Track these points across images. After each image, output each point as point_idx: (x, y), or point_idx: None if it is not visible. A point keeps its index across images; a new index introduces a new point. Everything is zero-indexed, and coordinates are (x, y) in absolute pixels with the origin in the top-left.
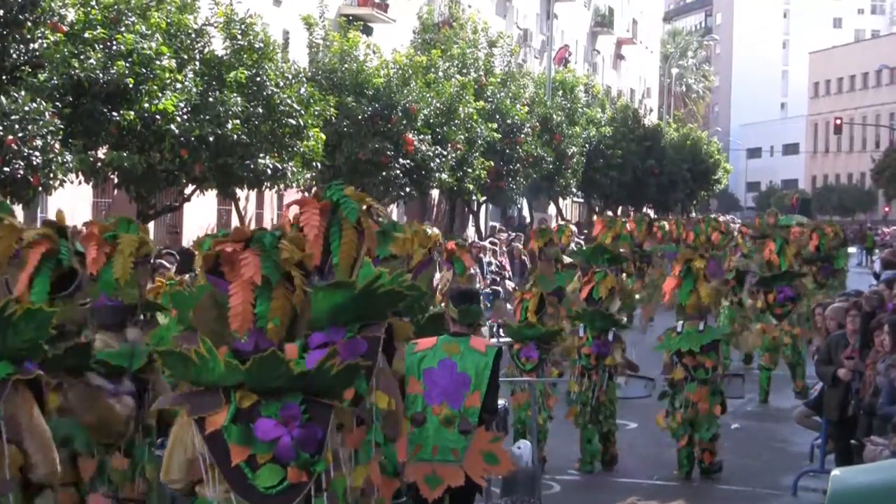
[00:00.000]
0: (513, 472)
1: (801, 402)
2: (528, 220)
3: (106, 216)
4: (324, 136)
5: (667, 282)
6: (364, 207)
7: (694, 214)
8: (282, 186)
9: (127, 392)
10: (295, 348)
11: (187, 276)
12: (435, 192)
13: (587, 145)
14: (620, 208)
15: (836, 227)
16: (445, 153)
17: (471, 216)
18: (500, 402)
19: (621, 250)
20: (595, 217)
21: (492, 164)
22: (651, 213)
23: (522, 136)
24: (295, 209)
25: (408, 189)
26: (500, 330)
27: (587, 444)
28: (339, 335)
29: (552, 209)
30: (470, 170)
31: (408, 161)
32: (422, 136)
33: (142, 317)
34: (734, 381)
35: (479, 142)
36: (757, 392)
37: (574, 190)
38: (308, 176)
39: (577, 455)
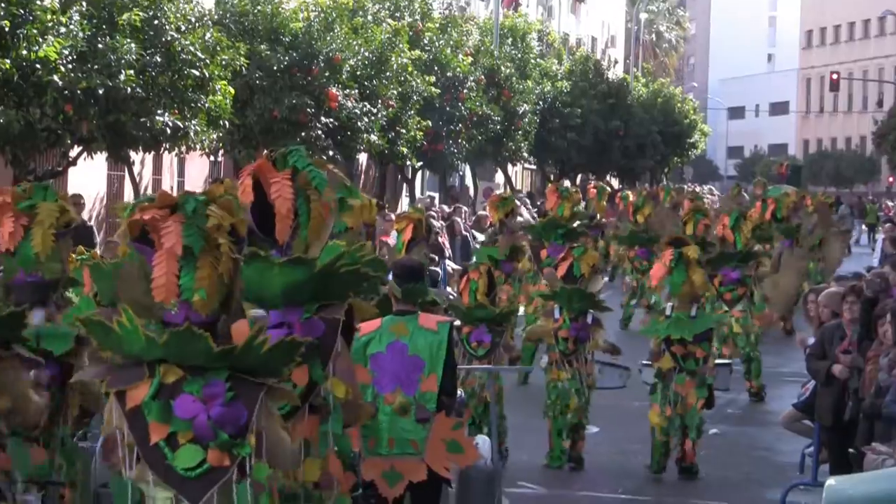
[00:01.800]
0: (467, 475)
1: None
2: (471, 189)
3: None
4: (232, 90)
5: (654, 269)
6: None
7: (665, 184)
8: (183, 148)
9: (46, 380)
10: (246, 325)
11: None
12: (363, 157)
13: (541, 102)
14: (579, 177)
15: (821, 197)
16: (375, 111)
17: (405, 185)
18: (458, 391)
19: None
20: (549, 186)
21: (429, 123)
22: (614, 182)
23: (465, 91)
24: (251, 179)
25: (331, 153)
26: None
27: (557, 438)
28: (295, 315)
29: (500, 177)
30: (404, 130)
31: (331, 120)
32: (347, 91)
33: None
34: (721, 371)
35: (415, 98)
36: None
37: (525, 155)
38: (214, 136)
39: (529, 461)
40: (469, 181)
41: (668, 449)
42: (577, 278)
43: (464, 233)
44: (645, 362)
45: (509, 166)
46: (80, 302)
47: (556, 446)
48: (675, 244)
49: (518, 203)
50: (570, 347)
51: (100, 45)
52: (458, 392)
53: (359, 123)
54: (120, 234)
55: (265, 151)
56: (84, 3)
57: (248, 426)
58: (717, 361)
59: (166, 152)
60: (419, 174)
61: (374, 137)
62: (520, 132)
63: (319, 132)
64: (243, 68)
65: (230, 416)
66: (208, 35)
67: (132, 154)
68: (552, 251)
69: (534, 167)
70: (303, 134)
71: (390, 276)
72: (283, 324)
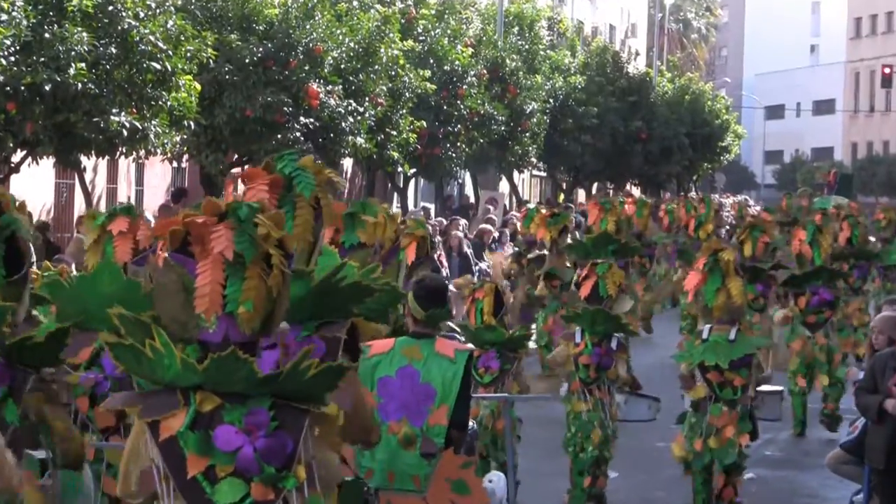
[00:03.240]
0: None
1: (837, 440)
2: (471, 199)
3: None
4: (199, 86)
5: (689, 278)
6: (323, 181)
7: (694, 194)
8: (142, 153)
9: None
10: None
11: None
12: (347, 162)
13: (551, 100)
14: (595, 185)
15: (892, 211)
16: (361, 110)
17: (395, 194)
18: (470, 423)
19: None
20: (590, 200)
21: (423, 124)
22: (636, 191)
23: (465, 87)
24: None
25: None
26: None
27: (578, 477)
28: (292, 334)
29: (504, 186)
30: (394, 132)
31: (311, 120)
32: (330, 88)
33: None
34: (769, 399)
35: (407, 95)
36: (789, 424)
37: (534, 160)
38: (177, 139)
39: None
40: (469, 190)
41: (707, 480)
42: (602, 298)
43: (464, 249)
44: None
45: (515, 173)
46: (47, 321)
47: (577, 485)
48: (713, 252)
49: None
50: (591, 375)
51: (46, 35)
52: (472, 424)
53: (343, 124)
54: (88, 245)
55: (266, 159)
56: None
57: (293, 457)
58: (766, 389)
59: (122, 157)
60: (412, 182)
61: (360, 140)
62: (527, 134)
63: (298, 134)
64: (211, 61)
65: (275, 447)
66: (171, 23)
67: (83, 159)
68: None
69: (543, 174)
70: (279, 136)
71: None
72: (275, 344)
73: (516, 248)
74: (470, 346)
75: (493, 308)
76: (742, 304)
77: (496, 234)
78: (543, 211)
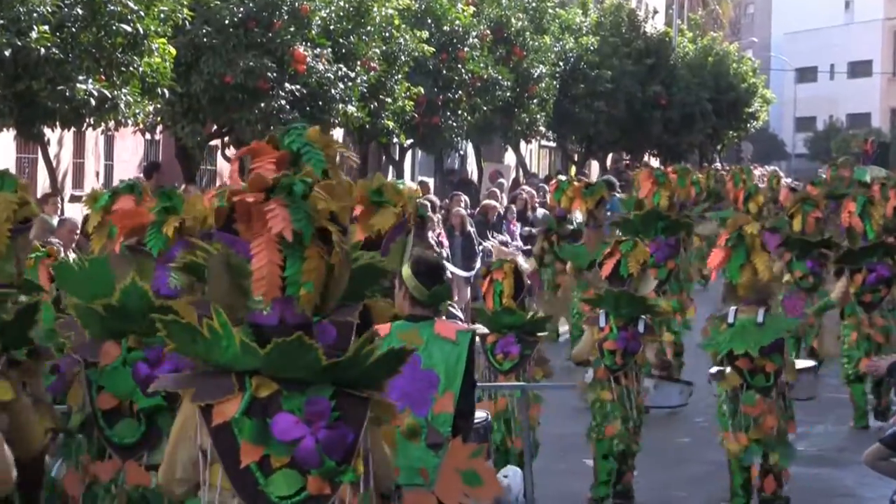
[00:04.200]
0: None
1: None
2: (473, 173)
3: None
4: (173, 51)
5: (712, 255)
6: (332, 156)
7: (719, 165)
8: (111, 124)
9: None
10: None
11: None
12: (338, 133)
13: (561, 64)
14: (610, 156)
15: None
16: (353, 75)
17: (391, 167)
18: (482, 413)
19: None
20: (643, 171)
21: (421, 91)
22: (654, 162)
23: (466, 49)
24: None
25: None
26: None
27: (602, 461)
28: (287, 312)
29: (510, 157)
30: (389, 100)
31: (297, 87)
32: (318, 51)
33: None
34: (802, 377)
35: (403, 59)
36: (825, 415)
37: (542, 129)
38: (150, 109)
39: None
40: (472, 162)
41: (750, 486)
42: (623, 279)
43: (467, 228)
44: (712, 371)
45: (522, 144)
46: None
47: (602, 471)
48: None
49: (527, 192)
50: (617, 361)
51: None
52: (485, 415)
53: (332, 91)
54: (92, 228)
55: (269, 133)
56: None
57: (353, 450)
58: (799, 365)
59: (90, 129)
60: (409, 154)
61: (351, 108)
62: (535, 101)
63: (283, 102)
64: (187, 23)
65: (336, 439)
66: None
67: (47, 131)
68: (654, 249)
69: (553, 145)
70: (262, 105)
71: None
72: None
73: (528, 229)
74: (479, 326)
75: (513, 290)
76: (769, 280)
77: (501, 211)
78: (576, 182)
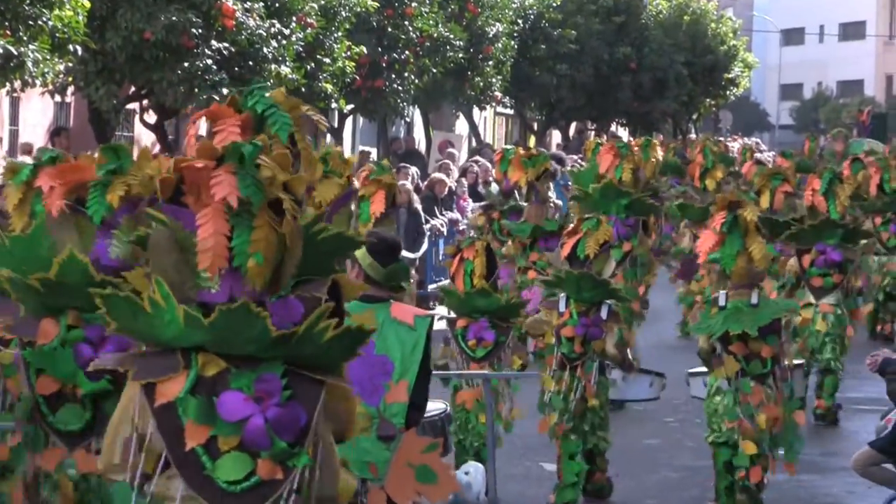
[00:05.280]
0: None
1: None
2: (421, 143)
3: None
4: (87, 3)
5: (702, 239)
6: (298, 120)
7: (694, 136)
8: (17, 84)
9: None
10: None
11: None
12: None
13: (520, 21)
14: (574, 125)
15: None
16: (287, 32)
17: (328, 136)
18: (440, 404)
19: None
20: (604, 143)
21: (363, 50)
22: (623, 133)
23: (414, 5)
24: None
25: (225, 91)
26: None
27: (568, 462)
28: (235, 288)
29: (462, 126)
30: (328, 60)
31: (225, 44)
32: (249, 4)
33: None
34: (792, 374)
35: (343, 14)
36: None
37: (498, 94)
38: (61, 67)
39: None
40: (419, 130)
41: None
42: (583, 261)
43: (414, 205)
44: (694, 371)
45: (475, 111)
46: None
47: (568, 472)
48: (731, 207)
49: (480, 165)
50: (576, 349)
51: None
52: (444, 406)
53: (265, 50)
54: (8, 202)
55: (228, 94)
56: None
57: (306, 432)
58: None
59: None
60: (349, 121)
61: (285, 69)
62: (490, 63)
63: (209, 62)
64: None
65: (288, 418)
66: None
67: None
68: (616, 228)
69: (510, 112)
70: (185, 64)
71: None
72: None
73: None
74: (429, 312)
75: (486, 270)
76: (765, 268)
77: (452, 186)
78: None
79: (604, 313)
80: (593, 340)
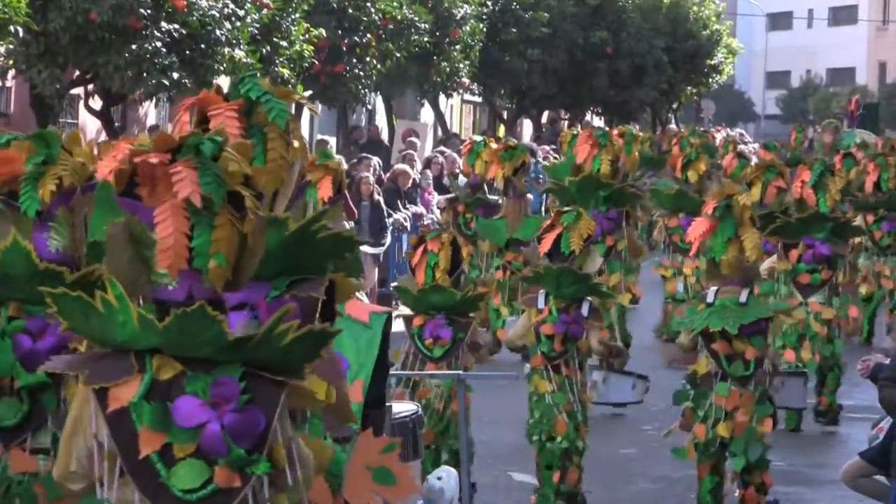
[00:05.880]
0: None
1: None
2: (384, 132)
3: None
4: None
5: (694, 225)
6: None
7: (675, 126)
8: None
9: None
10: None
11: None
12: (223, 82)
13: (489, 4)
14: (546, 114)
15: None
16: (242, 13)
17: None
18: (411, 406)
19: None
20: (582, 132)
21: (323, 33)
22: (598, 122)
23: None
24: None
25: (176, 75)
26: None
27: (546, 472)
28: (260, 293)
29: (427, 114)
30: (285, 43)
31: (175, 26)
32: None
33: None
34: (791, 384)
35: None
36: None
37: (466, 81)
38: (1, 50)
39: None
40: (382, 118)
41: (717, 486)
42: (565, 256)
43: (376, 197)
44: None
45: (441, 98)
46: None
47: (546, 482)
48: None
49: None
50: (556, 348)
51: None
52: (415, 407)
53: (217, 32)
54: None
55: (179, 78)
56: None
57: (265, 437)
58: (787, 371)
59: None
60: (307, 108)
61: (239, 53)
62: (457, 47)
63: (158, 44)
64: None
65: (245, 423)
66: None
67: None
68: (598, 223)
69: (478, 100)
70: (133, 47)
71: None
72: (245, 305)
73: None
74: (386, 308)
75: (450, 264)
76: (757, 262)
77: (416, 178)
78: (494, 144)
79: (585, 310)
80: (575, 339)
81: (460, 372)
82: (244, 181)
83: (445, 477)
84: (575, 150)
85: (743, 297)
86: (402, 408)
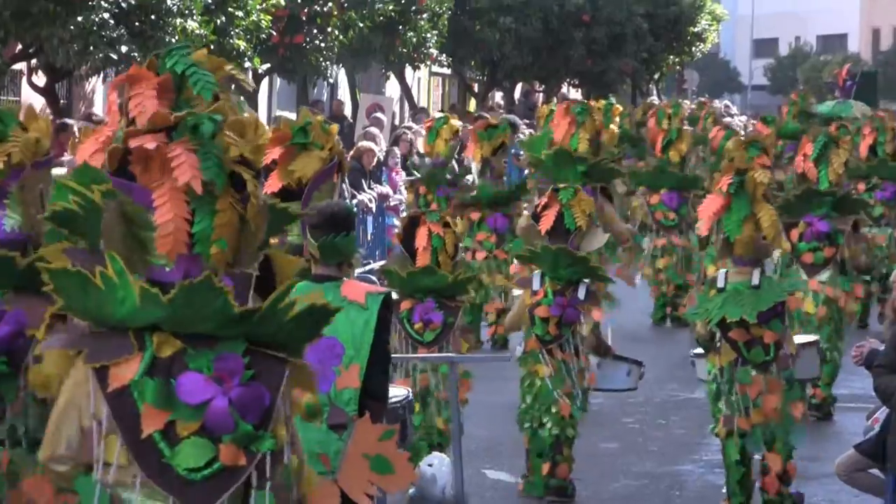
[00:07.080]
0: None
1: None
2: (347, 107)
3: None
4: None
5: (706, 202)
6: (223, 80)
7: (655, 98)
8: None
9: None
10: None
11: None
12: None
13: None
14: (519, 86)
15: None
16: None
17: (241, 97)
18: (402, 391)
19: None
20: (558, 106)
21: (282, 2)
22: (575, 94)
23: None
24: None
25: (124, 49)
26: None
27: (536, 459)
28: (192, 269)
29: (393, 87)
30: (240, 14)
31: None
32: None
33: None
34: (805, 353)
35: None
36: None
37: (433, 52)
38: None
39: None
40: (345, 92)
41: (749, 482)
42: (569, 232)
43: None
44: (697, 351)
45: (408, 70)
46: None
47: (536, 470)
48: (738, 172)
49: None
50: (550, 331)
51: None
52: (405, 392)
53: (168, 2)
54: None
55: (127, 52)
56: None
57: (270, 414)
58: (800, 340)
59: None
60: (265, 82)
61: (192, 24)
62: (424, 16)
63: (106, 16)
64: None
65: (252, 398)
66: None
67: None
68: None
69: (447, 71)
70: (79, 19)
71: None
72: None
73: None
74: (385, 288)
75: (454, 249)
76: (771, 240)
77: (381, 156)
78: (456, 122)
79: (581, 293)
80: (570, 324)
81: (453, 355)
82: (240, 160)
83: (437, 464)
84: (552, 126)
85: (755, 280)
86: (393, 392)
